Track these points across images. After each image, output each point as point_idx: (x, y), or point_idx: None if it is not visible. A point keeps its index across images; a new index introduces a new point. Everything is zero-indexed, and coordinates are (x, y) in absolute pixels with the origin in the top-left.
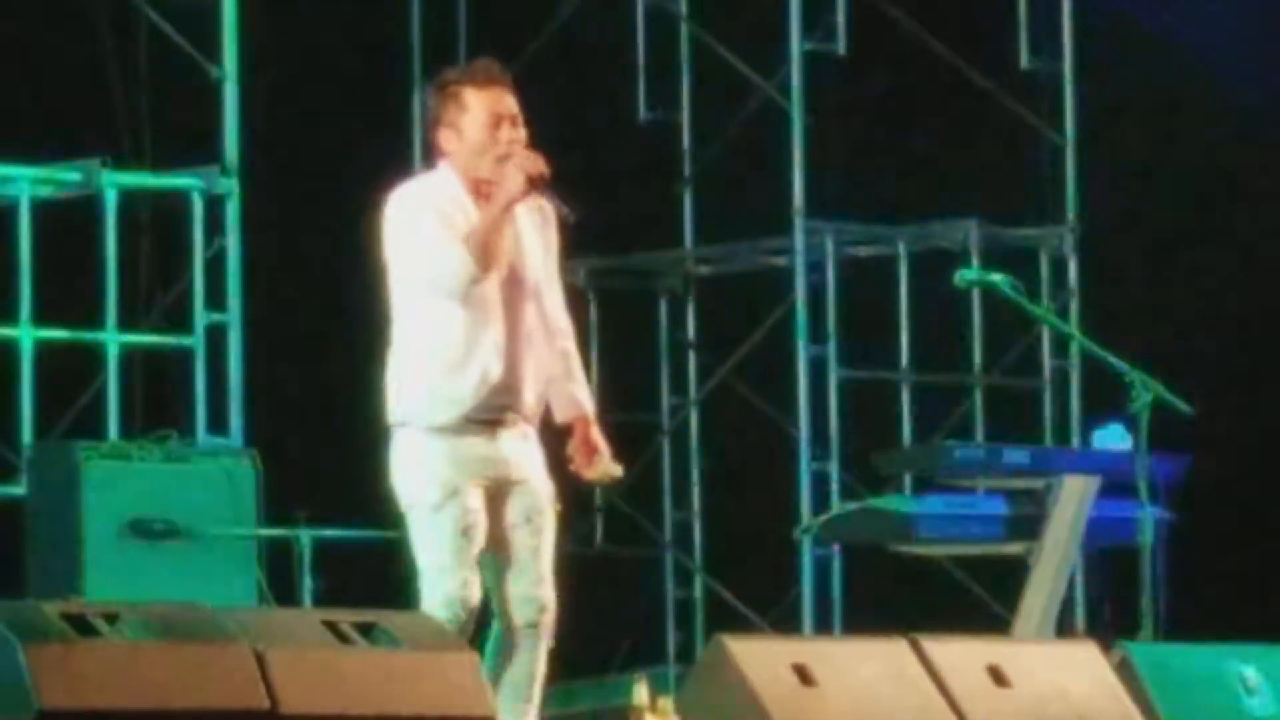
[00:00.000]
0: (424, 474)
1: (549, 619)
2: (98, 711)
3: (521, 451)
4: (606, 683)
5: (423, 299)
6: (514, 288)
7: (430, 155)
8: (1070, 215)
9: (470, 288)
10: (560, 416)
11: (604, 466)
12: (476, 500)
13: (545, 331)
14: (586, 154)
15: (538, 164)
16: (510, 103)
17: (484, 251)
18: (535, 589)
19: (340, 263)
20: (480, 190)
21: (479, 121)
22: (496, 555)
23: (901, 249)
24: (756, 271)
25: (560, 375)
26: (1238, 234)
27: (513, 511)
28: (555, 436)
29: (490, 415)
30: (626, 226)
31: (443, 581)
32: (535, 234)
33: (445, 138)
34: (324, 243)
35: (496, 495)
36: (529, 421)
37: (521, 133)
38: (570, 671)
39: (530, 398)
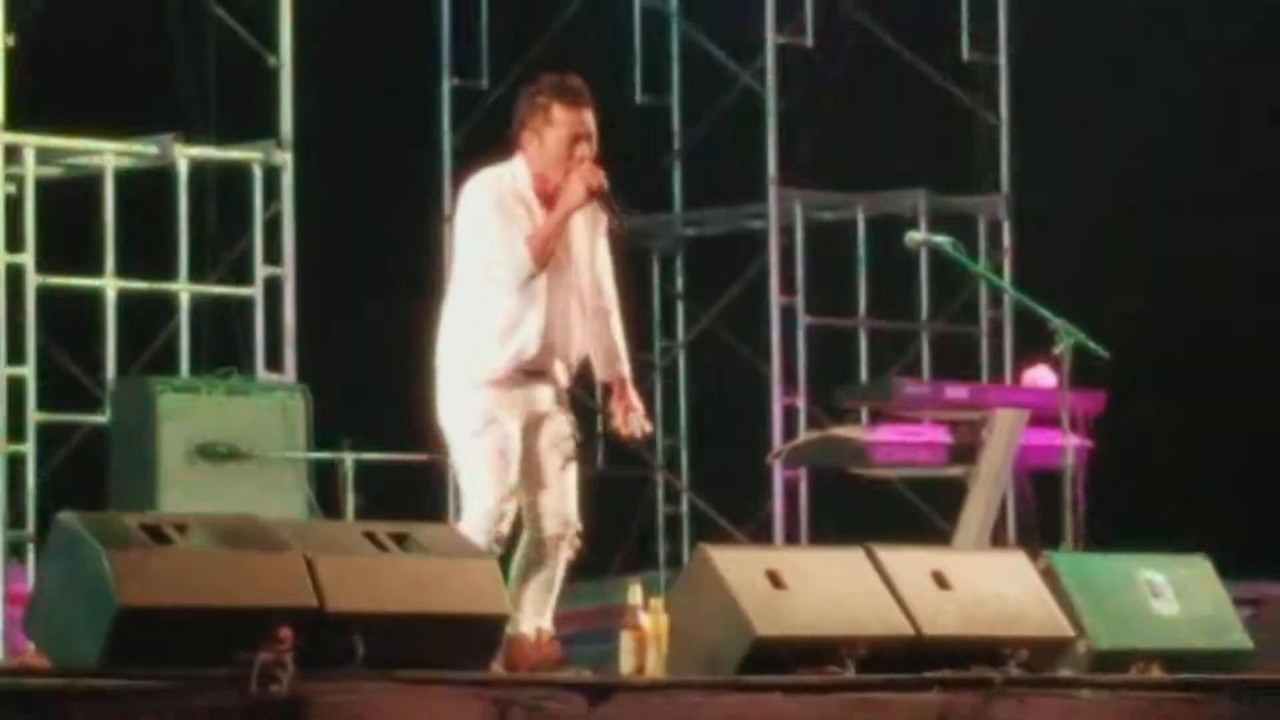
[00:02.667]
0: (467, 407)
1: (572, 533)
2: (169, 608)
3: (550, 394)
4: (606, 584)
5: (479, 277)
6: (558, 277)
7: (508, 143)
8: (1004, 186)
9: (526, 280)
10: (601, 375)
11: (638, 422)
12: (513, 428)
13: (585, 309)
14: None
15: (599, 178)
16: (590, 123)
17: (543, 252)
18: (562, 504)
19: (378, 225)
20: (545, 189)
21: (560, 137)
22: (529, 476)
23: (860, 214)
24: (736, 233)
25: (604, 342)
26: (1152, 201)
27: (544, 439)
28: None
29: (530, 374)
30: (625, 195)
31: (483, 497)
32: (585, 229)
33: (527, 139)
34: (365, 207)
35: (529, 427)
36: (563, 378)
37: (593, 148)
38: (575, 574)
39: (560, 372)
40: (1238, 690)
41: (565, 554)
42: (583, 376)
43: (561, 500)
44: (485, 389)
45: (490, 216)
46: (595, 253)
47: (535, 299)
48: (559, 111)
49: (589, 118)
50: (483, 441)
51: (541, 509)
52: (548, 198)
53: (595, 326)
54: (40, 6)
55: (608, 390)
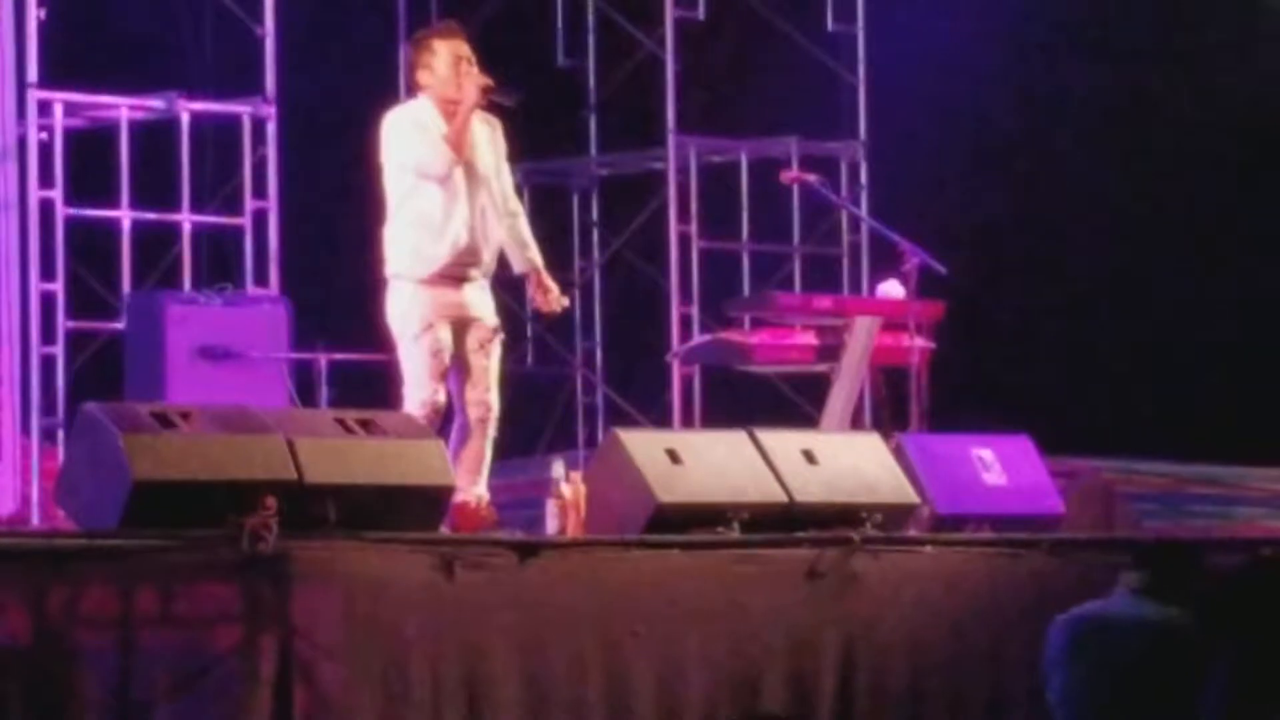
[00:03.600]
0: (409, 313)
1: (494, 417)
2: (174, 481)
3: (479, 299)
4: (535, 462)
5: (411, 185)
6: (473, 178)
7: (411, 89)
8: (861, 134)
9: (449, 170)
10: (518, 267)
11: (556, 299)
12: (445, 332)
13: (497, 211)
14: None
15: (484, 80)
16: (464, 47)
17: (458, 144)
18: (485, 395)
19: (346, 164)
20: (448, 110)
21: (445, 60)
22: (458, 371)
23: (744, 156)
24: (641, 173)
25: (514, 240)
26: (988, 149)
27: (471, 340)
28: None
29: (458, 272)
30: (549, 141)
31: (421, 389)
32: (487, 142)
33: (422, 75)
34: (335, 150)
35: (459, 329)
36: (486, 276)
37: (473, 63)
38: (510, 453)
39: (488, 258)
40: (1051, 546)
41: (489, 432)
42: (517, 290)
43: (485, 392)
44: (425, 289)
45: (411, 132)
46: (500, 168)
47: (458, 196)
48: (438, 43)
49: (463, 44)
50: (420, 343)
51: (468, 398)
52: (451, 112)
53: (508, 226)
54: None
55: (526, 279)
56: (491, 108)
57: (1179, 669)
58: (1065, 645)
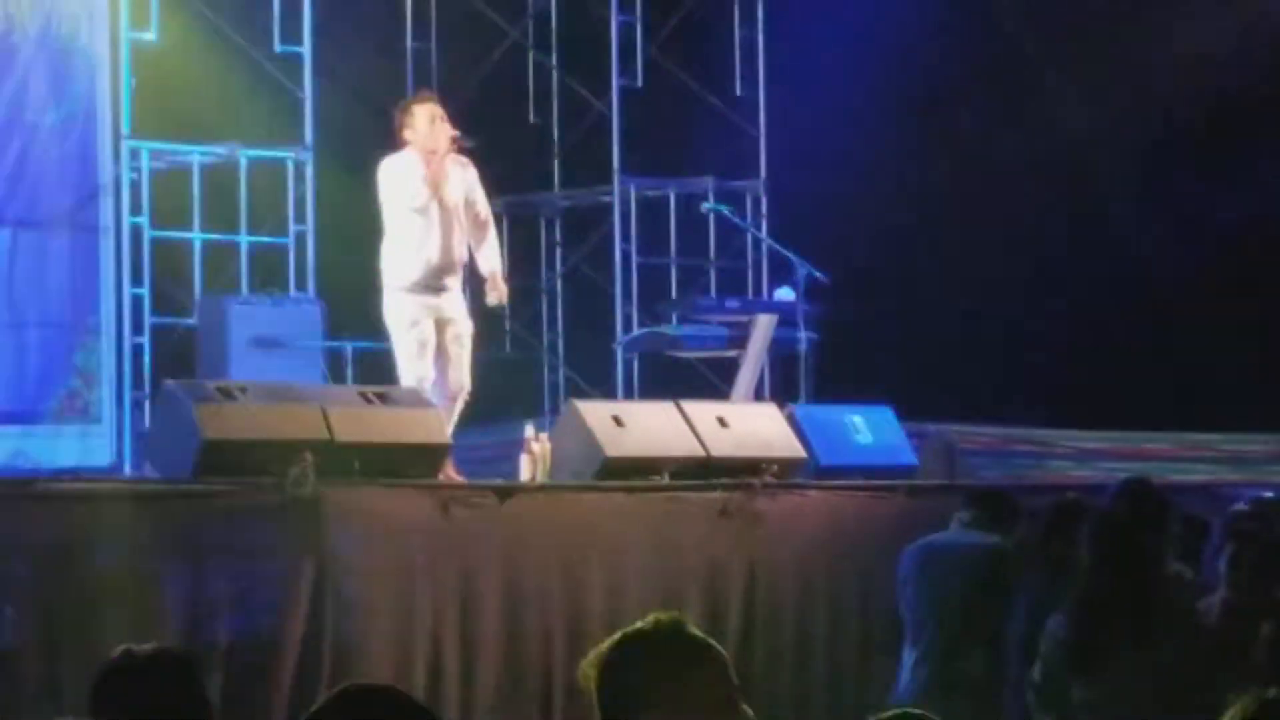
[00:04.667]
0: (399, 313)
1: (465, 394)
2: (234, 440)
3: (455, 303)
4: (510, 425)
5: (398, 215)
6: (445, 210)
7: (399, 144)
8: (762, 174)
9: (426, 204)
10: (482, 270)
11: (501, 296)
12: (429, 328)
13: (464, 232)
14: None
15: (451, 131)
16: (437, 108)
17: (434, 182)
18: (459, 377)
19: (364, 198)
20: (428, 157)
21: (423, 119)
22: (439, 359)
23: (672, 191)
24: (594, 205)
25: (483, 248)
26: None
27: (448, 334)
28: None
29: (434, 282)
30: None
31: (411, 374)
32: (459, 180)
33: (406, 134)
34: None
35: (439, 326)
36: (457, 284)
37: (444, 120)
38: (491, 419)
39: (457, 271)
40: (907, 490)
41: (459, 406)
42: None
43: (459, 374)
44: (410, 295)
45: (398, 176)
46: (473, 197)
47: (433, 224)
48: (416, 107)
49: (437, 107)
50: (409, 337)
51: (448, 381)
52: (429, 160)
53: (476, 238)
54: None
55: (483, 281)
56: (461, 150)
57: (998, 584)
58: (913, 567)
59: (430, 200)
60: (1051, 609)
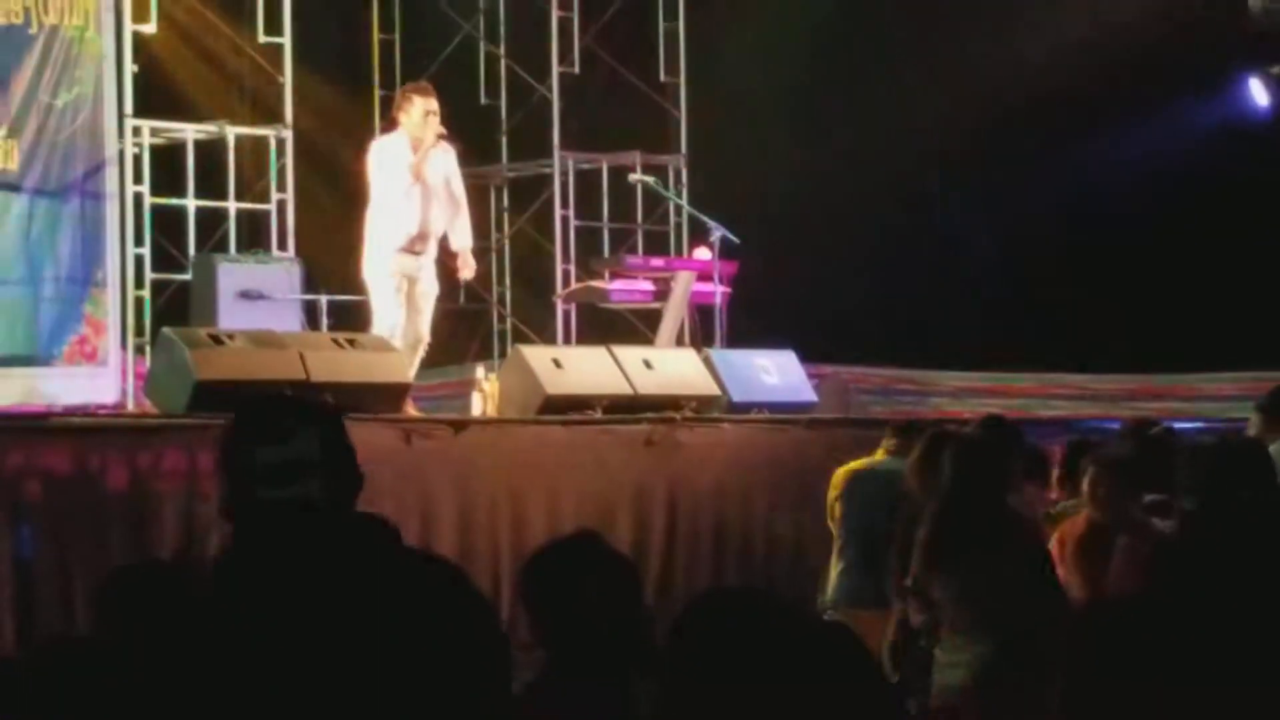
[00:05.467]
0: (380, 269)
1: (424, 345)
2: (223, 380)
3: (427, 266)
4: (465, 367)
5: (386, 191)
6: (425, 189)
7: (392, 122)
8: (683, 149)
9: (410, 185)
10: (454, 246)
11: (470, 270)
12: (404, 284)
13: (441, 210)
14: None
15: (441, 129)
16: (433, 104)
17: (418, 169)
18: (423, 328)
19: (336, 171)
20: (415, 144)
21: (418, 111)
22: (408, 310)
23: (605, 164)
24: (537, 176)
25: (456, 227)
26: (768, 161)
27: (417, 292)
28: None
29: (413, 248)
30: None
31: (385, 322)
32: (440, 162)
33: (400, 116)
34: (328, 160)
35: (410, 283)
36: (431, 252)
37: (437, 116)
38: (448, 361)
39: (432, 241)
40: (808, 423)
41: (420, 353)
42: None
43: (423, 326)
44: (391, 255)
45: (390, 158)
46: (451, 179)
47: (415, 201)
48: (416, 98)
49: (434, 101)
50: (387, 291)
51: (413, 329)
52: (416, 146)
53: (450, 216)
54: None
55: (457, 255)
56: (445, 140)
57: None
58: (844, 488)
59: (414, 184)
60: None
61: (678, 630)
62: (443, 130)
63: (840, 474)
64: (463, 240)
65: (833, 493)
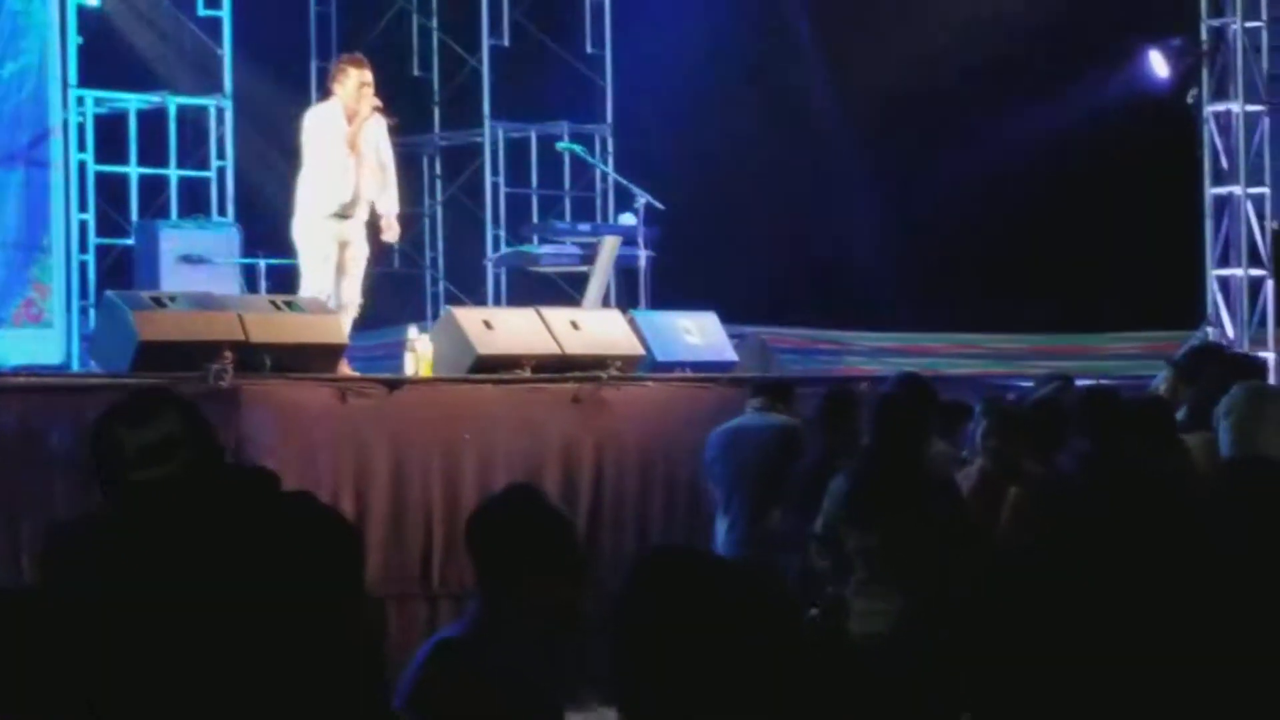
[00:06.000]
0: (310, 234)
1: (357, 306)
2: (165, 341)
3: (356, 230)
4: (399, 328)
5: (318, 158)
6: (358, 157)
7: (326, 91)
8: (609, 119)
9: (343, 153)
10: (379, 210)
11: (394, 235)
12: (333, 249)
13: (371, 178)
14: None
15: (376, 102)
16: (368, 75)
17: (352, 140)
18: (354, 290)
19: (273, 139)
20: (349, 113)
21: (353, 82)
22: (339, 274)
23: (533, 133)
24: (469, 144)
25: (383, 194)
26: (688, 130)
27: (347, 255)
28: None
29: (343, 212)
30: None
31: (314, 285)
32: (372, 132)
33: (335, 87)
34: (273, 129)
35: (341, 247)
36: (361, 216)
37: (371, 88)
38: (383, 323)
39: (362, 206)
40: (728, 381)
41: (353, 314)
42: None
43: (353, 288)
44: (321, 221)
45: (323, 125)
46: (381, 149)
47: (348, 171)
48: (351, 69)
49: (368, 73)
50: (315, 255)
51: (344, 292)
52: (351, 117)
53: (378, 184)
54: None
55: (382, 218)
56: (380, 113)
57: (790, 454)
58: (719, 448)
59: (348, 155)
60: (828, 478)
61: (628, 589)
62: (378, 103)
63: (713, 436)
64: (389, 205)
65: (708, 454)
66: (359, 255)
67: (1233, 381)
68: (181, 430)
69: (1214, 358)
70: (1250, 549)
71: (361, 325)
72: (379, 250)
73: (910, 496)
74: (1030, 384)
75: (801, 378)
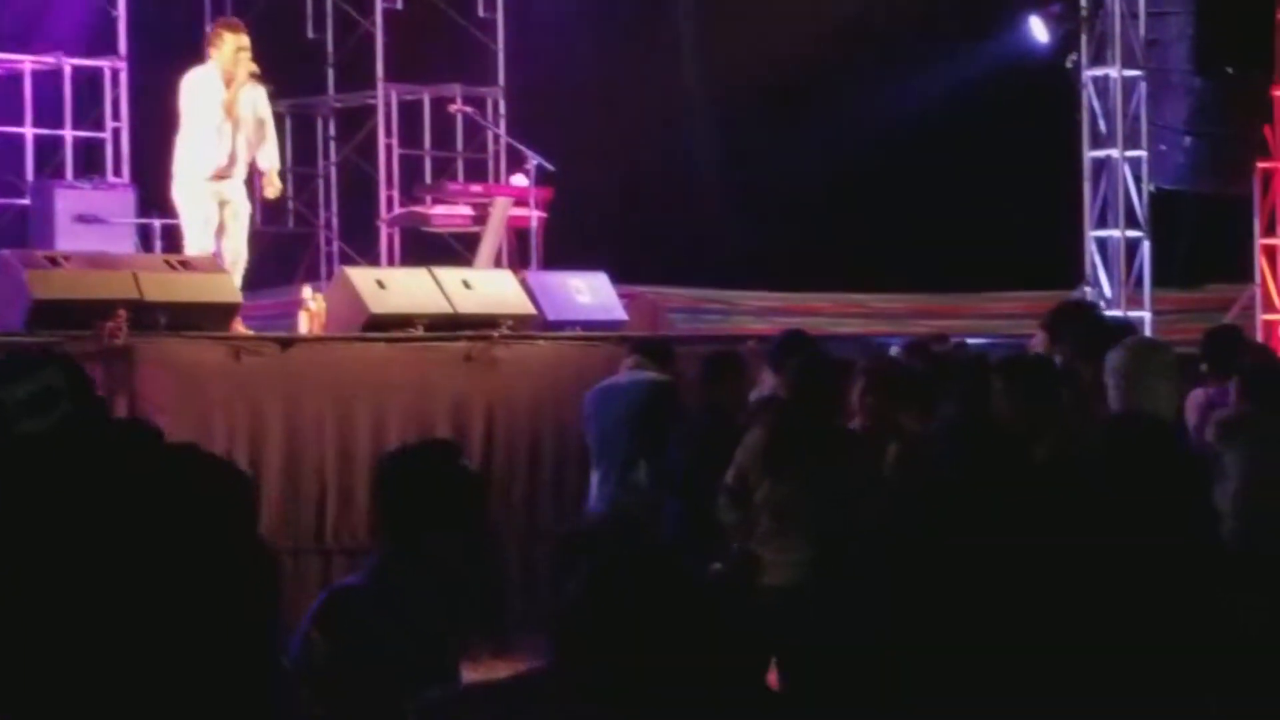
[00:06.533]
0: (189, 196)
1: (244, 262)
2: (59, 300)
3: (235, 188)
4: (293, 288)
5: (195, 123)
6: (235, 120)
7: (204, 58)
8: (501, 82)
9: (220, 116)
10: (261, 166)
11: (274, 191)
12: (213, 209)
13: (247, 141)
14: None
15: (252, 67)
16: (244, 39)
17: (229, 105)
18: (239, 246)
19: (167, 100)
20: (227, 78)
21: (229, 47)
22: (221, 232)
23: (426, 96)
24: (362, 106)
25: (263, 152)
26: (583, 92)
27: (228, 213)
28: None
29: (221, 173)
30: (303, 86)
31: (197, 244)
32: (249, 97)
33: (212, 52)
34: (161, 90)
35: (221, 207)
36: (240, 175)
37: (248, 53)
38: (277, 282)
39: (240, 165)
40: (618, 340)
41: (241, 270)
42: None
43: (239, 244)
44: (199, 183)
45: (200, 89)
46: (260, 111)
47: (224, 135)
48: (226, 34)
49: (244, 37)
50: (196, 216)
51: (225, 249)
52: (229, 81)
53: (258, 139)
54: None
55: (263, 174)
56: (257, 79)
57: (660, 411)
58: (593, 405)
59: (225, 119)
60: (713, 437)
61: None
62: (255, 68)
63: (588, 394)
64: (269, 161)
65: (585, 411)
66: (240, 212)
67: (1097, 341)
68: (62, 381)
69: (1079, 318)
70: (1122, 504)
71: (256, 285)
72: (271, 208)
73: (825, 453)
74: (900, 342)
75: (688, 336)
